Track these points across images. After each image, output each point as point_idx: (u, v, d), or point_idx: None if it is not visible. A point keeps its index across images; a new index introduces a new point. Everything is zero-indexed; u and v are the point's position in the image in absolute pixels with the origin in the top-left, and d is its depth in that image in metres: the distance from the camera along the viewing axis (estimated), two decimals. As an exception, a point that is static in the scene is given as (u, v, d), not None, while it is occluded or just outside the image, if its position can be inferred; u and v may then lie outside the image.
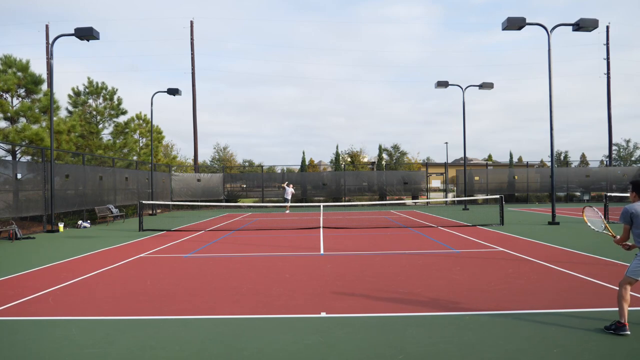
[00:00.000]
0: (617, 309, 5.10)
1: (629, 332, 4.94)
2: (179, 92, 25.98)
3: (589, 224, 6.11)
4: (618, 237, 5.29)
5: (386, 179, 36.31)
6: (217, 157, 53.74)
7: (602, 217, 5.89)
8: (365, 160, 47.87)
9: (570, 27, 17.39)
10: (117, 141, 28.61)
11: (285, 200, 27.30)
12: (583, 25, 16.97)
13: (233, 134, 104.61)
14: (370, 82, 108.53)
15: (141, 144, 31.83)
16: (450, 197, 37.71)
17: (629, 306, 5.11)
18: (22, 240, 14.84)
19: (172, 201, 31.22)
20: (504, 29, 17.23)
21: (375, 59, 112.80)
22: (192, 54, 38.63)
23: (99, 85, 27.76)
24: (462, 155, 33.14)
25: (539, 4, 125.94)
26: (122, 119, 28.87)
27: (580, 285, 7.34)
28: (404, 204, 34.27)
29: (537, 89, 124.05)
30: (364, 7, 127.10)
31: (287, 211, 26.96)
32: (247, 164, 54.76)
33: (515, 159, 44.46)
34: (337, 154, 42.00)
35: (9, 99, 20.89)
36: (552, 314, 5.79)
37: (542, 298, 6.57)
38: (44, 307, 6.56)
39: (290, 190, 27.28)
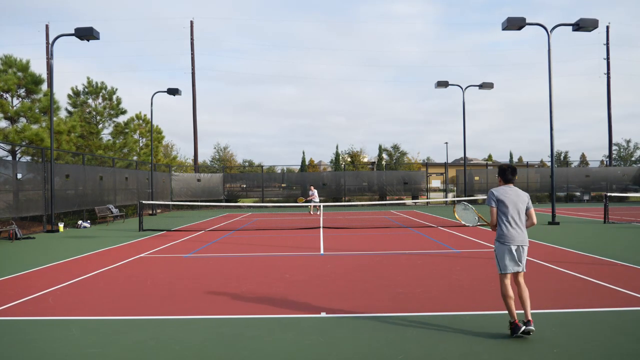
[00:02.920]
0: (617, 309, 5.10)
1: (524, 327, 4.84)
2: (179, 92, 25.99)
3: (461, 221, 6.05)
4: (489, 223, 5.25)
5: (386, 179, 36.32)
6: (217, 157, 53.77)
7: (474, 209, 5.91)
8: (365, 160, 47.87)
9: (571, 27, 17.40)
10: (117, 141, 28.62)
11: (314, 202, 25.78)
12: (583, 25, 16.98)
13: (233, 133, 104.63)
14: (370, 81, 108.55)
15: (141, 144, 31.83)
16: (450, 197, 37.71)
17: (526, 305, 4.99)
18: (22, 240, 14.84)
19: (172, 201, 31.22)
20: (504, 29, 17.23)
21: (375, 58, 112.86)
22: (192, 53, 38.63)
23: (99, 85, 27.76)
24: (462, 155, 33.15)
25: (540, 2, 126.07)
26: (121, 119, 28.94)
27: (580, 285, 7.34)
28: (404, 204, 34.27)
29: (538, 88, 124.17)
30: (364, 5, 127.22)
31: (312, 212, 26.05)
32: (247, 164, 54.76)
33: (515, 159, 44.54)
34: (337, 154, 42.02)
35: (9, 99, 20.89)
36: (551, 314, 5.79)
37: (542, 298, 6.57)
38: (44, 307, 6.56)
39: (314, 193, 25.91)
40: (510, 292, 5.01)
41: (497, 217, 5.10)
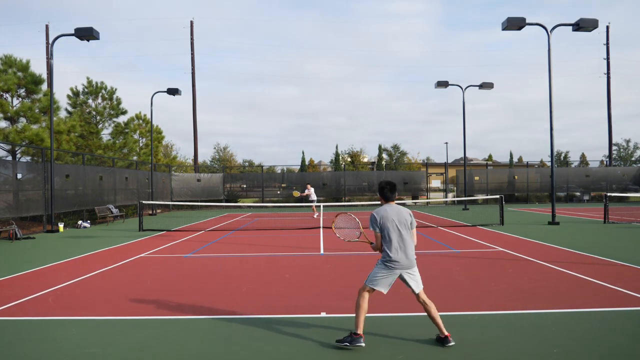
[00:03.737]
0: (617, 309, 5.09)
1: (364, 344, 4.64)
2: (179, 92, 25.98)
3: (338, 235, 5.57)
4: (374, 243, 4.97)
5: (386, 179, 36.27)
6: (217, 157, 53.77)
7: (359, 224, 5.48)
8: (365, 160, 47.87)
9: (571, 27, 17.39)
10: (117, 141, 28.61)
11: (311, 202, 24.60)
12: (583, 25, 16.97)
13: (232, 133, 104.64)
14: (370, 81, 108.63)
15: (141, 144, 31.83)
16: (450, 197, 37.72)
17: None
18: (22, 240, 14.84)
19: (172, 201, 31.22)
20: (504, 29, 17.23)
21: (375, 58, 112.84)
22: (192, 54, 38.63)
23: (98, 84, 27.75)
24: (462, 155, 33.15)
25: (540, 2, 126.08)
26: (121, 119, 28.92)
27: (580, 285, 7.34)
28: (404, 204, 34.27)
29: (538, 88, 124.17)
30: (364, 5, 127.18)
31: (316, 215, 23.73)
32: (247, 164, 54.75)
33: (515, 159, 44.46)
34: (337, 154, 41.99)
35: (9, 99, 20.89)
36: (552, 314, 5.79)
37: (542, 298, 6.57)
38: (44, 307, 6.56)
39: (312, 191, 24.65)
40: (366, 305, 4.76)
41: (382, 241, 4.81)
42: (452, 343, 4.66)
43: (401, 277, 4.82)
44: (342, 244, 12.79)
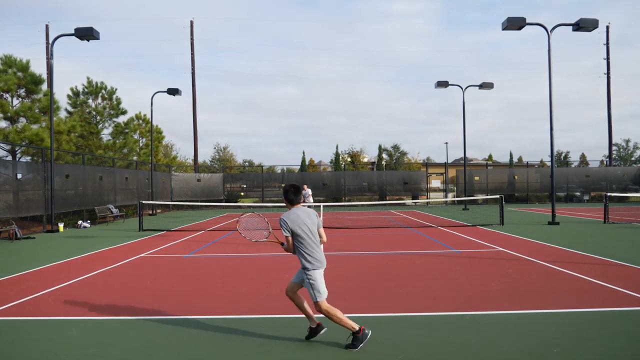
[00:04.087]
0: (617, 309, 5.09)
1: (369, 332, 4.72)
2: (179, 92, 25.98)
3: (244, 236, 5.43)
4: (285, 244, 4.91)
5: (386, 179, 36.33)
6: (217, 157, 53.77)
7: (268, 224, 5.38)
8: (365, 160, 47.87)
9: (571, 27, 17.39)
10: (117, 141, 28.62)
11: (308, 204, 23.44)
12: (583, 26, 16.98)
13: (232, 133, 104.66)
14: (370, 81, 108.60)
15: (141, 144, 31.83)
16: (450, 197, 37.71)
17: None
18: (22, 240, 14.84)
19: (172, 201, 31.22)
20: (504, 29, 17.23)
21: (376, 58, 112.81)
22: (192, 54, 38.63)
23: (98, 84, 27.77)
24: (462, 155, 33.15)
25: (540, 2, 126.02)
26: (121, 119, 28.95)
27: (581, 286, 7.34)
28: (404, 204, 34.27)
29: (538, 88, 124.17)
30: (364, 5, 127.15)
31: None
32: (247, 164, 54.76)
33: (515, 159, 44.44)
34: (337, 154, 41.99)
35: (9, 99, 20.89)
36: (552, 314, 5.79)
37: (542, 298, 6.57)
38: (44, 307, 6.56)
39: (308, 193, 23.50)
40: (335, 309, 4.75)
41: (297, 245, 4.79)
42: (325, 329, 4.89)
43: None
44: (342, 244, 12.79)
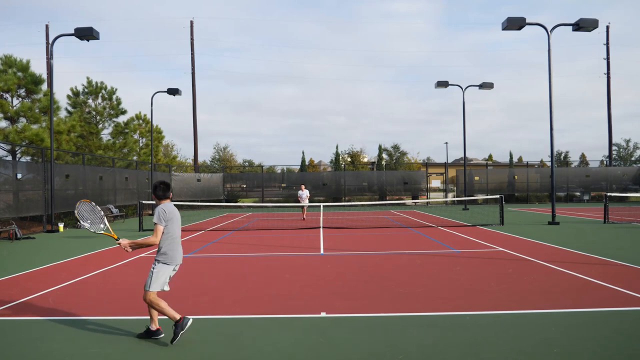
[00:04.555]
0: (617, 308, 5.09)
1: (190, 318, 4.94)
2: (179, 92, 25.96)
3: (83, 224, 5.39)
4: (124, 240, 4.99)
5: (386, 179, 36.33)
6: (217, 157, 53.76)
7: (104, 218, 5.45)
8: (365, 160, 47.85)
9: (571, 27, 17.39)
10: (117, 141, 28.62)
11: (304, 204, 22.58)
12: (583, 25, 16.98)
13: (232, 133, 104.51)
14: (370, 81, 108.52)
15: (141, 144, 31.83)
16: (450, 197, 37.72)
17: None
18: (22, 240, 14.84)
19: (172, 201, 31.16)
20: (504, 28, 17.23)
21: (376, 58, 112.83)
22: (192, 54, 38.62)
23: (98, 84, 27.76)
24: (462, 155, 33.16)
25: (540, 2, 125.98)
26: (121, 119, 28.93)
27: (581, 286, 7.34)
28: (404, 204, 34.27)
29: (538, 88, 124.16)
30: (364, 5, 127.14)
31: (305, 217, 22.22)
32: (247, 164, 54.73)
33: (515, 159, 44.43)
34: (337, 154, 42.00)
35: (9, 99, 20.89)
36: (552, 314, 5.79)
37: (542, 298, 6.57)
38: (44, 307, 6.56)
39: (305, 194, 22.54)
40: (162, 302, 4.96)
41: (165, 237, 4.92)
42: (163, 335, 4.99)
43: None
44: (342, 244, 12.79)
